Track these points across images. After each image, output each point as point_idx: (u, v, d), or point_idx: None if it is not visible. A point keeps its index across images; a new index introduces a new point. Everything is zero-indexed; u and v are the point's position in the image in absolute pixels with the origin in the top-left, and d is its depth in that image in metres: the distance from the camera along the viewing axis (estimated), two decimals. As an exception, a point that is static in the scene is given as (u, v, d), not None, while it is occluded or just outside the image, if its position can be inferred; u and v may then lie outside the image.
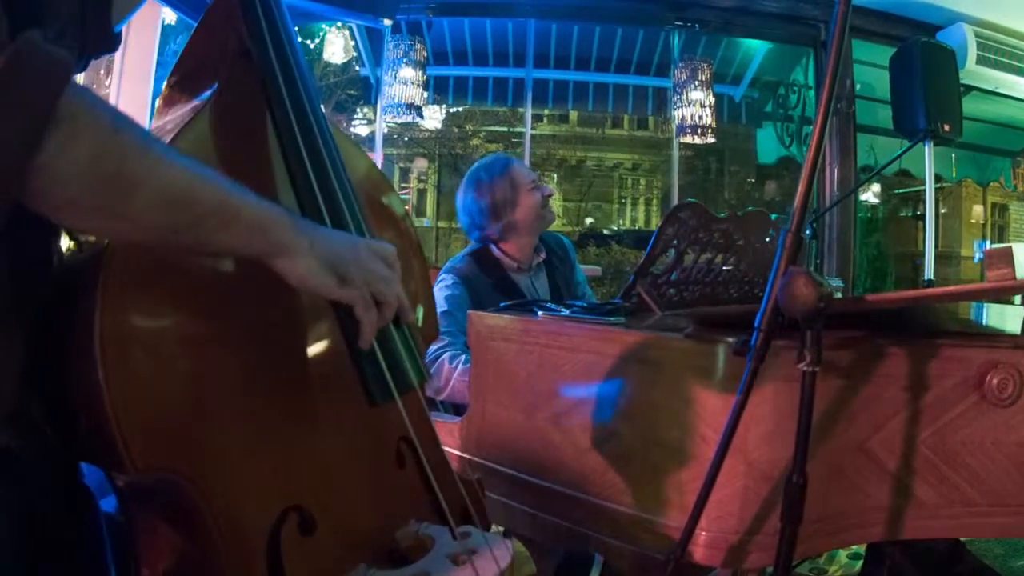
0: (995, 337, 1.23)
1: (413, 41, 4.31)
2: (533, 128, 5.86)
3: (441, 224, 10.61)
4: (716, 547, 1.00)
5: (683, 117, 4.57)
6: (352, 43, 5.39)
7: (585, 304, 1.38)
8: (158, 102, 0.86)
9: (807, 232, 2.06)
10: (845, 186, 4.50)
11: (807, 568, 2.24)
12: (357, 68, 6.39)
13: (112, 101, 1.92)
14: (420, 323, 1.03)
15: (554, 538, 1.24)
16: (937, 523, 1.09)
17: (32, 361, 0.62)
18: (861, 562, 1.97)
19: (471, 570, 0.78)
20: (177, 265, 0.68)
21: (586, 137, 11.72)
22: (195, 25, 0.86)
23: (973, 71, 4.43)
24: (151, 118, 0.89)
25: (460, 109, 9.32)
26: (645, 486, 1.08)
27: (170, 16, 3.09)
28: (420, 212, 10.81)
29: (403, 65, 4.28)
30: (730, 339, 0.99)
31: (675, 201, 5.38)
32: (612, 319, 1.22)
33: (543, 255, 2.09)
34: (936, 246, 4.27)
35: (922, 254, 4.23)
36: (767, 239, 1.53)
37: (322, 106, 0.84)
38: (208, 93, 0.78)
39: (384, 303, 0.73)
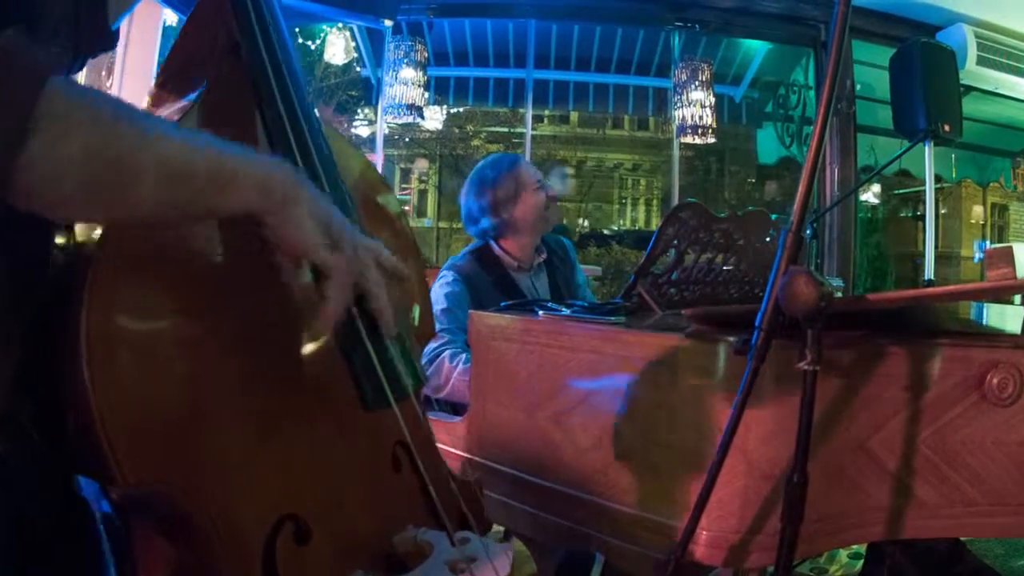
0: (995, 337, 1.23)
1: (414, 42, 4.32)
2: (534, 129, 5.88)
3: (442, 224, 10.63)
4: (717, 546, 1.00)
5: (683, 117, 4.58)
6: (353, 44, 5.40)
7: (586, 304, 1.38)
8: (147, 100, 0.83)
9: (807, 232, 2.07)
10: (845, 186, 4.51)
11: (808, 568, 2.25)
12: (358, 69, 6.40)
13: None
14: (416, 323, 1.02)
15: (555, 538, 1.24)
16: (937, 523, 1.09)
17: (26, 364, 0.61)
18: (861, 562, 1.97)
19: None
20: (170, 262, 0.66)
21: (587, 138, 11.74)
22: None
23: (973, 71, 4.44)
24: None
25: (461, 110, 9.34)
26: (646, 486, 1.08)
27: (171, 17, 3.09)
28: (421, 212, 10.83)
29: (404, 66, 4.29)
30: (731, 338, 0.99)
31: (675, 201, 5.38)
32: (613, 319, 1.22)
33: (544, 255, 2.10)
34: (936, 246, 4.27)
35: (922, 254, 4.24)
36: (767, 239, 1.53)
37: (322, 106, 0.83)
38: (196, 93, 0.76)
39: (368, 293, 0.71)
